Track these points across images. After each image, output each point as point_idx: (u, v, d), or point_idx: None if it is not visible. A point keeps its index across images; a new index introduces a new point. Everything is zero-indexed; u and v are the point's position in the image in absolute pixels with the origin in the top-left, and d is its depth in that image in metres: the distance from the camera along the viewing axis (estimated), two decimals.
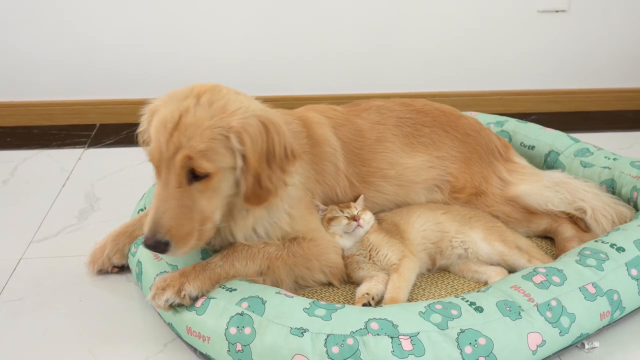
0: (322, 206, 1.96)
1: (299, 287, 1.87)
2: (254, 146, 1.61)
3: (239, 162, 1.61)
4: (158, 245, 1.57)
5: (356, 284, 1.90)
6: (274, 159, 1.66)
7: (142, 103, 3.52)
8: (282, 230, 1.82)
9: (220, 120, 1.59)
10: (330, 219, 1.93)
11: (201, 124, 1.57)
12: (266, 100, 3.23)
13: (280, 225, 1.81)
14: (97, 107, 3.24)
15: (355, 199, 2.03)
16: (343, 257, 1.92)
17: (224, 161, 1.60)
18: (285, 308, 1.56)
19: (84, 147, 2.98)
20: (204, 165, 1.57)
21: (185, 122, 1.57)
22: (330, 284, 1.90)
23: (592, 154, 2.34)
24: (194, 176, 1.59)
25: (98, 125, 3.23)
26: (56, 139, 3.07)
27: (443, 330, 1.51)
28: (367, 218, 1.93)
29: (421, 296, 1.86)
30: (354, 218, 1.90)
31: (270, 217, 1.79)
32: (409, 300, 1.82)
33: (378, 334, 1.48)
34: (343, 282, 1.92)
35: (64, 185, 2.60)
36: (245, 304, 1.58)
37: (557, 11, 3.26)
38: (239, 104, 1.65)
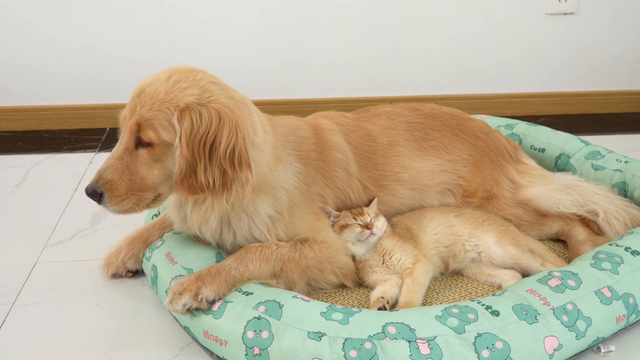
0: (334, 212, 1.96)
1: (312, 290, 1.87)
2: (191, 130, 1.64)
3: (177, 142, 1.67)
4: (94, 194, 1.69)
5: (369, 288, 1.90)
6: (216, 154, 1.66)
7: None
8: (262, 235, 1.83)
9: (174, 97, 1.67)
10: (343, 226, 1.93)
11: (156, 97, 1.68)
12: (274, 104, 3.29)
13: (260, 229, 1.82)
14: (107, 111, 3.25)
15: (369, 202, 2.03)
16: (356, 262, 1.93)
17: (166, 135, 1.68)
18: (303, 312, 1.56)
19: (94, 151, 3.00)
20: (148, 134, 1.67)
21: (145, 92, 1.69)
22: (343, 286, 1.91)
23: (604, 156, 2.34)
24: (142, 143, 1.69)
25: (108, 129, 3.24)
26: (67, 143, 3.09)
27: (460, 334, 1.51)
28: (380, 225, 1.93)
29: (435, 300, 1.87)
30: (367, 226, 1.90)
31: (239, 217, 1.79)
32: (423, 304, 1.82)
33: (395, 338, 1.49)
34: (356, 284, 1.93)
35: (76, 189, 2.61)
36: (262, 308, 1.58)
37: (565, 14, 3.27)
38: (203, 91, 1.69)
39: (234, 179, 1.70)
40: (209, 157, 1.66)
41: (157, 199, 1.76)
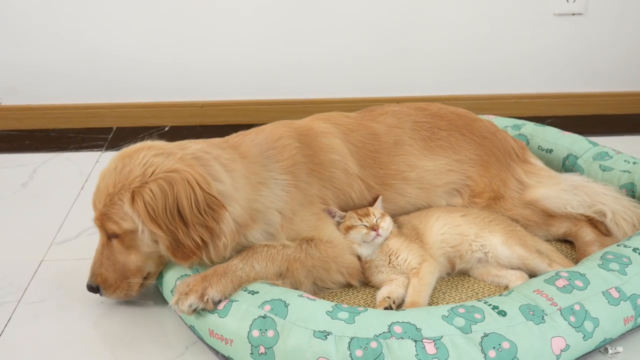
0: (339, 212, 1.95)
1: (318, 289, 1.87)
2: (151, 210, 1.66)
3: (140, 225, 1.69)
4: (93, 289, 1.81)
5: (375, 287, 1.90)
6: (187, 217, 1.68)
7: (158, 106, 3.53)
8: None
9: (122, 187, 1.71)
10: (349, 228, 1.92)
11: (107, 191, 1.73)
12: (281, 104, 3.29)
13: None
14: (114, 110, 3.26)
15: (373, 201, 2.03)
16: (362, 262, 1.92)
17: (127, 224, 1.72)
18: (308, 311, 1.56)
19: (101, 150, 3.01)
20: (111, 227, 1.74)
21: (100, 188, 1.76)
22: (349, 286, 1.91)
23: (612, 157, 2.33)
24: (111, 235, 1.77)
25: (115, 128, 3.25)
26: (74, 142, 3.10)
27: (467, 334, 1.51)
28: (386, 225, 1.92)
29: (442, 300, 1.86)
30: (373, 227, 1.89)
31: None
32: (430, 304, 1.82)
33: (402, 338, 1.48)
34: (362, 283, 1.92)
35: (82, 188, 2.61)
36: (267, 307, 1.58)
37: (573, 14, 3.25)
38: (146, 168, 1.70)
39: (218, 226, 1.71)
40: (183, 223, 1.68)
41: (147, 278, 1.83)
